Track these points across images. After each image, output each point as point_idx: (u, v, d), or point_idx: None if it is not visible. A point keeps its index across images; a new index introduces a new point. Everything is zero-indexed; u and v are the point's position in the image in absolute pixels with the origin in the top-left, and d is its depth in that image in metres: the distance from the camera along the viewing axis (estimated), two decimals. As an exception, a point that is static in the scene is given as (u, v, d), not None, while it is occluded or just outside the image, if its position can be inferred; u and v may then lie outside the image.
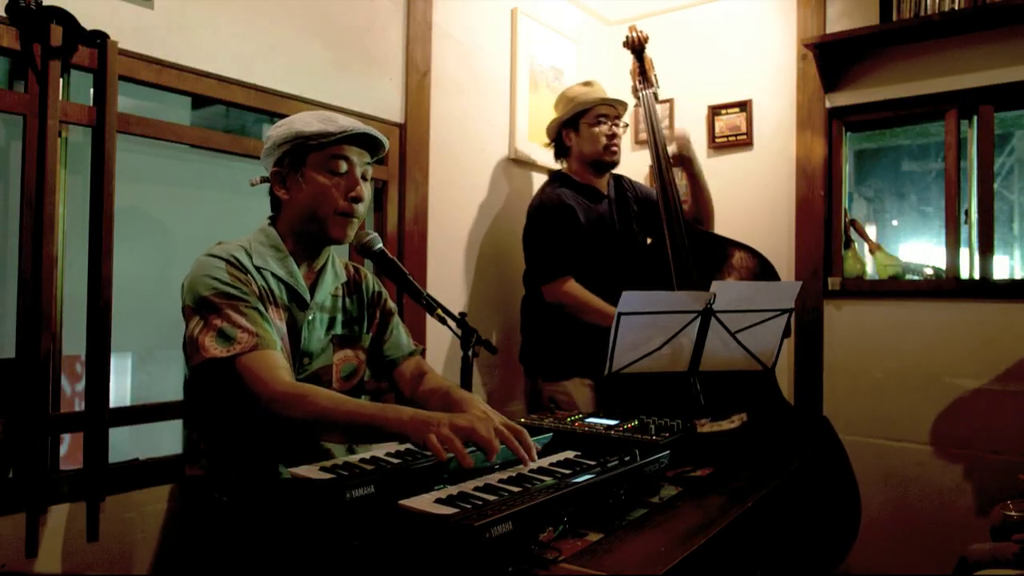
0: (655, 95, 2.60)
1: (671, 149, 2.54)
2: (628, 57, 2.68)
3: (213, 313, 1.33)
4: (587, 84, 2.64)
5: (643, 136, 3.17)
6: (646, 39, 2.66)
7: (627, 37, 2.68)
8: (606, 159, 2.55)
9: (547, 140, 2.72)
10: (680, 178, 2.63)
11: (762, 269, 2.40)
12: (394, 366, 1.68)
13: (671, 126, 2.61)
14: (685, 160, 2.58)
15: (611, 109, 2.56)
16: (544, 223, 2.46)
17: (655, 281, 2.35)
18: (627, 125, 2.64)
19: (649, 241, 2.70)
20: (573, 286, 2.38)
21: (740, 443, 1.66)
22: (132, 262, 1.94)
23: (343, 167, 1.47)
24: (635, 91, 2.64)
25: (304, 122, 1.47)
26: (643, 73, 2.63)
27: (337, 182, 1.47)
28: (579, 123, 2.56)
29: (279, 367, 1.33)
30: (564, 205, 2.45)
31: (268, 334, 1.36)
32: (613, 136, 2.55)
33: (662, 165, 2.49)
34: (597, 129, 2.53)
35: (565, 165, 2.66)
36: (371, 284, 1.70)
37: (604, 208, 2.59)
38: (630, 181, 2.76)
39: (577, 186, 2.56)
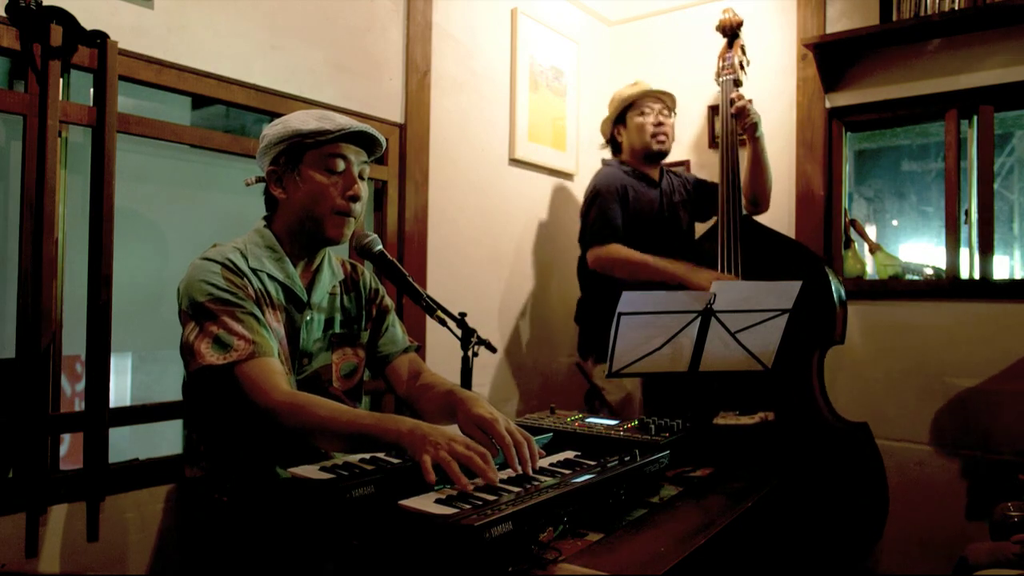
0: (735, 81, 2.60)
1: (752, 117, 2.54)
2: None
3: (209, 319, 1.33)
4: (633, 84, 2.75)
5: None
6: (740, 22, 2.66)
7: (720, 20, 2.68)
8: (654, 147, 2.64)
9: (603, 141, 2.85)
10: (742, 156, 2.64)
11: (814, 270, 2.38)
12: (388, 362, 1.67)
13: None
14: (750, 131, 2.55)
15: (656, 101, 2.65)
16: (597, 197, 2.55)
17: (703, 262, 2.38)
18: (675, 114, 2.72)
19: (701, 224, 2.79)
20: (620, 247, 2.45)
21: (753, 441, 1.66)
22: (132, 262, 1.94)
23: (340, 166, 1.47)
24: (717, 75, 2.66)
25: (301, 120, 1.46)
26: (727, 58, 2.65)
27: (335, 181, 1.46)
28: (626, 117, 2.68)
29: (277, 374, 1.33)
30: (618, 183, 2.56)
31: (265, 340, 1.35)
32: (659, 124, 2.64)
33: (727, 155, 2.51)
34: (642, 119, 2.64)
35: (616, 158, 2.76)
36: (368, 281, 1.69)
37: (655, 195, 2.66)
38: (680, 173, 2.84)
39: (630, 170, 2.66)
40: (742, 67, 2.63)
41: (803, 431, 2.27)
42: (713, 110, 3.16)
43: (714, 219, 2.57)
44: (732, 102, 2.55)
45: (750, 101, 2.56)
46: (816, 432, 2.30)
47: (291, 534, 1.18)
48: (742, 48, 2.64)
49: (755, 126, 2.55)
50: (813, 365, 2.37)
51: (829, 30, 2.87)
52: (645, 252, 2.43)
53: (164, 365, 2.43)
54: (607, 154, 2.84)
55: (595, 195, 2.57)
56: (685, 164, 3.20)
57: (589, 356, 2.65)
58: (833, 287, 2.36)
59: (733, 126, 2.54)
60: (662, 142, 2.64)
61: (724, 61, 2.64)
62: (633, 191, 2.59)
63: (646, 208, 2.60)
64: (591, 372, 2.63)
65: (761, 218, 3.02)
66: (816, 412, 2.33)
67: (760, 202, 2.66)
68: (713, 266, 2.38)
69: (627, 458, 1.30)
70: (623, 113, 2.69)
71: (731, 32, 2.65)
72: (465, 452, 1.16)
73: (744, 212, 2.53)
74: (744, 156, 2.62)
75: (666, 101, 2.68)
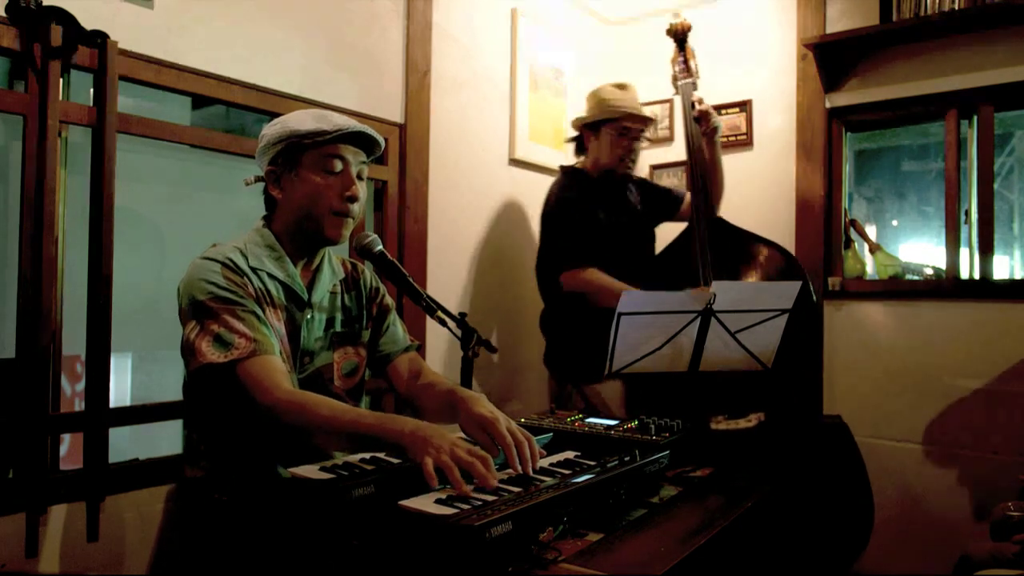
0: (694, 85, 2.57)
1: (715, 121, 2.52)
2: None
3: (210, 318, 1.33)
4: (622, 88, 2.59)
5: (664, 134, 3.17)
6: (688, 28, 2.64)
7: (669, 25, 2.65)
8: (619, 171, 2.55)
9: (569, 134, 2.71)
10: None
11: (788, 267, 2.40)
12: (389, 361, 1.67)
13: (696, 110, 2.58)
14: (711, 135, 2.55)
15: (637, 124, 2.53)
16: (566, 213, 2.45)
17: (677, 273, 2.37)
18: (649, 140, 2.64)
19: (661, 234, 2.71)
20: (596, 272, 2.37)
21: (752, 443, 1.66)
22: (132, 262, 1.94)
23: (338, 166, 1.46)
24: (674, 80, 2.62)
25: (299, 120, 1.46)
26: (683, 62, 2.61)
27: (332, 181, 1.46)
28: (601, 129, 2.53)
29: (278, 372, 1.33)
30: (584, 198, 2.47)
31: (266, 338, 1.35)
32: (631, 152, 2.53)
33: (695, 159, 2.49)
34: (617, 139, 2.51)
35: (582, 158, 2.65)
36: (369, 280, 1.69)
37: (618, 206, 2.59)
38: (639, 178, 2.76)
39: (590, 181, 2.55)
40: (696, 71, 2.60)
41: (789, 429, 2.27)
42: (714, 110, 3.16)
43: (681, 225, 2.53)
44: (693, 105, 2.51)
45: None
46: (800, 430, 2.30)
47: (291, 534, 1.18)
48: (693, 52, 2.62)
49: (716, 130, 2.54)
50: (792, 363, 2.37)
51: (829, 30, 2.87)
52: (613, 265, 2.38)
53: (164, 365, 2.43)
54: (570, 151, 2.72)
55: (564, 211, 2.46)
56: (685, 164, 3.20)
57: (567, 382, 2.54)
58: (811, 286, 2.38)
59: (696, 130, 2.51)
60: (628, 168, 2.56)
61: (678, 66, 2.60)
62: (600, 205, 2.50)
63: (612, 222, 2.52)
64: (582, 395, 2.50)
65: (762, 220, 3.03)
66: (799, 409, 2.33)
67: (714, 203, 2.62)
68: (687, 274, 2.34)
69: (627, 458, 1.30)
70: (599, 123, 2.54)
71: (681, 36, 2.62)
72: (467, 458, 1.15)
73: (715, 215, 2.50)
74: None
75: (646, 125, 2.58)
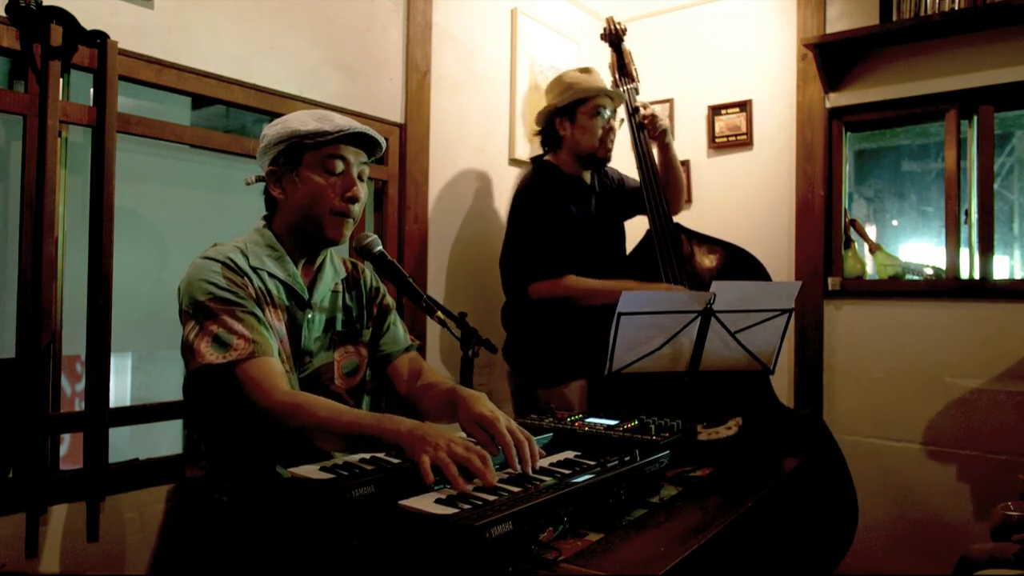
0: (636, 90, 2.54)
1: (662, 124, 2.48)
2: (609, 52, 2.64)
3: (209, 319, 1.33)
4: (586, 71, 2.48)
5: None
6: (624, 31, 2.61)
7: (604, 29, 2.62)
8: (600, 154, 2.42)
9: (535, 128, 2.57)
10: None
11: (751, 270, 2.38)
12: (389, 361, 1.67)
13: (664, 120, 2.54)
14: (660, 138, 2.50)
15: (610, 102, 2.43)
16: (536, 216, 2.32)
17: (643, 277, 2.34)
18: (623, 120, 2.53)
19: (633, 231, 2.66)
20: (573, 279, 2.28)
21: (737, 450, 1.66)
22: (132, 262, 1.94)
23: (339, 167, 1.47)
24: (614, 86, 2.57)
25: (300, 121, 1.46)
26: (622, 67, 2.55)
27: (333, 182, 1.46)
28: (576, 112, 2.40)
29: (277, 374, 1.33)
30: (555, 198, 2.34)
31: (265, 339, 1.35)
32: (610, 130, 2.42)
33: (646, 165, 2.46)
34: (595, 121, 2.38)
35: (551, 155, 2.51)
36: (369, 279, 1.69)
37: (591, 202, 2.49)
38: (611, 170, 2.65)
39: (563, 177, 2.43)
40: (636, 75, 2.57)
41: (765, 427, 2.25)
42: (714, 110, 3.16)
43: (645, 231, 2.48)
44: (637, 111, 2.47)
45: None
46: (776, 426, 2.28)
47: (291, 534, 1.18)
48: (631, 55, 2.58)
49: (664, 132, 2.49)
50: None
51: (829, 30, 2.87)
52: (582, 263, 2.31)
53: (164, 365, 2.43)
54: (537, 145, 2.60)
55: (534, 212, 2.32)
56: (684, 164, 3.20)
57: (527, 380, 2.41)
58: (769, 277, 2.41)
59: (644, 138, 2.47)
60: (608, 150, 2.42)
61: (619, 71, 2.55)
62: (572, 204, 2.38)
63: (584, 219, 2.41)
64: (544, 398, 2.38)
65: (762, 220, 3.03)
66: (773, 406, 2.32)
67: (674, 204, 2.56)
68: (652, 280, 2.31)
69: (627, 458, 1.30)
70: (573, 105, 2.39)
71: (617, 40, 2.58)
72: (464, 454, 1.16)
73: (674, 220, 2.46)
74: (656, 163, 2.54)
75: (617, 104, 2.45)
